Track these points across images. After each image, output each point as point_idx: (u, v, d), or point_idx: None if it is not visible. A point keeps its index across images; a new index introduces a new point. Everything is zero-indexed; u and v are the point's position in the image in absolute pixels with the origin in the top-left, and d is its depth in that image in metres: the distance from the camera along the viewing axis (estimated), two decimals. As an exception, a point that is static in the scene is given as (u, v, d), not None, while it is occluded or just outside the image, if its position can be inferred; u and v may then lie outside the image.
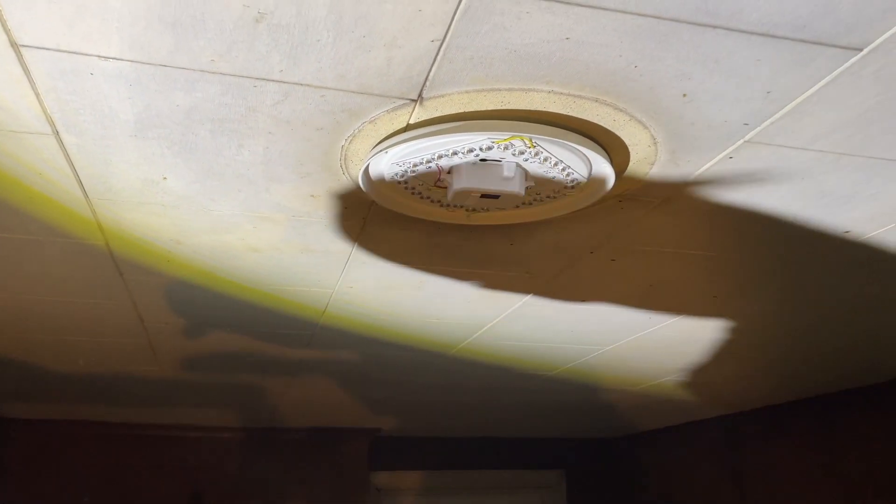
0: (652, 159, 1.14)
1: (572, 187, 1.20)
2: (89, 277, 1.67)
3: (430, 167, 1.13)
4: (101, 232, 1.41)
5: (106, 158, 1.13)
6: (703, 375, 2.80)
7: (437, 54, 0.88)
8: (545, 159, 1.10)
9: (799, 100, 0.97)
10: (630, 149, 1.11)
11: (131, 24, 0.82)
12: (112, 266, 1.60)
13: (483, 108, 1.00)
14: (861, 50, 0.87)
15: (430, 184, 1.20)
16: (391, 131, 1.06)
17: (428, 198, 1.25)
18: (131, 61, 0.89)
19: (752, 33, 0.84)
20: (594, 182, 1.18)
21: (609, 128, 1.05)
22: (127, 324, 2.04)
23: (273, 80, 0.93)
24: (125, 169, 1.16)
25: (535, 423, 4.11)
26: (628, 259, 1.57)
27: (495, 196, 1.17)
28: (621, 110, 1.00)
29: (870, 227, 1.38)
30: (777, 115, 1.01)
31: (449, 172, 1.15)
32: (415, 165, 1.13)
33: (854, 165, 1.14)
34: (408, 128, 1.05)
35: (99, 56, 0.88)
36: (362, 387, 3.05)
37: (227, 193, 1.25)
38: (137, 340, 2.23)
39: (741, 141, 1.08)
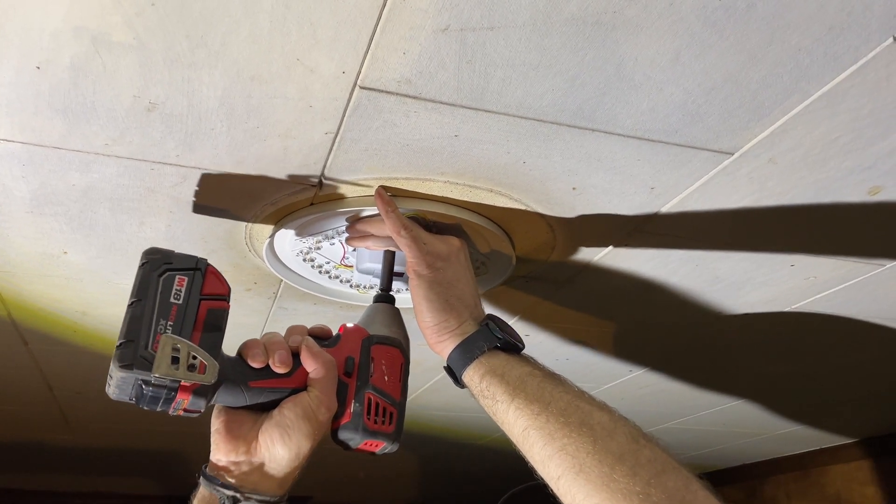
0: (552, 244, 1.18)
1: (477, 267, 1.23)
2: (-9, 346, 1.61)
3: (333, 243, 1.15)
4: (2, 302, 1.37)
5: (2, 233, 1.11)
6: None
7: (333, 145, 0.91)
8: (447, 241, 1.12)
9: (682, 195, 1.03)
10: (529, 234, 1.14)
11: (21, 109, 0.82)
12: (16, 335, 1.54)
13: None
14: (732, 154, 0.93)
15: (336, 262, 1.21)
16: (293, 211, 1.08)
17: (336, 277, 1.26)
18: (23, 143, 0.89)
19: (629, 136, 0.89)
20: (496, 263, 1.21)
21: (507, 215, 1.08)
22: (35, 393, 1.96)
23: (170, 164, 0.94)
24: (23, 243, 1.14)
25: (475, 490, 4.04)
26: (541, 335, 1.59)
27: (400, 274, 1.19)
28: (516, 200, 1.04)
29: (767, 309, 1.44)
30: (664, 209, 1.06)
31: (354, 251, 1.17)
32: (318, 242, 1.15)
33: (741, 255, 1.20)
34: (310, 207, 1.07)
35: (-11, 137, 0.88)
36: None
37: (132, 267, 1.22)
38: (48, 409, 2.14)
39: (634, 230, 1.12)
